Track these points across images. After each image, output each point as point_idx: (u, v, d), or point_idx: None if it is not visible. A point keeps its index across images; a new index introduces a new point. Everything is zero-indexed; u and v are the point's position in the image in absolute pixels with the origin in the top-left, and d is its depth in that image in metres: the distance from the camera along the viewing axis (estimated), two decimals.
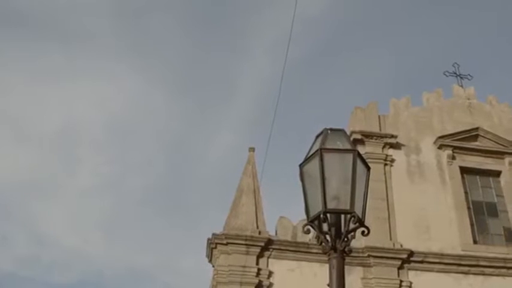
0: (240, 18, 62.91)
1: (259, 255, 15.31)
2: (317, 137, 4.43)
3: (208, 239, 15.60)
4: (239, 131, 62.05)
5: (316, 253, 15.15)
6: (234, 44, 63.54)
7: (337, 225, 4.09)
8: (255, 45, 63.91)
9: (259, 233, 15.51)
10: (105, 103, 64.50)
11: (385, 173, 17.36)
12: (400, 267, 15.75)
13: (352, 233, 4.14)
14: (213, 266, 15.75)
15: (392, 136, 17.91)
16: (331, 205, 4.06)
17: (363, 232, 4.19)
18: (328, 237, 4.10)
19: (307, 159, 4.33)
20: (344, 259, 4.10)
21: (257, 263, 15.20)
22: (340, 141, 4.31)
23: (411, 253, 15.83)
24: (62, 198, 61.66)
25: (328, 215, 4.08)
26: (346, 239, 4.09)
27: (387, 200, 16.86)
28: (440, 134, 18.48)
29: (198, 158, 63.85)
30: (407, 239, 16.22)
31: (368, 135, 17.70)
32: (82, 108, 63.11)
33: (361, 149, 17.55)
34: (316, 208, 4.09)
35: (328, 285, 4.05)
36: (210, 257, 15.95)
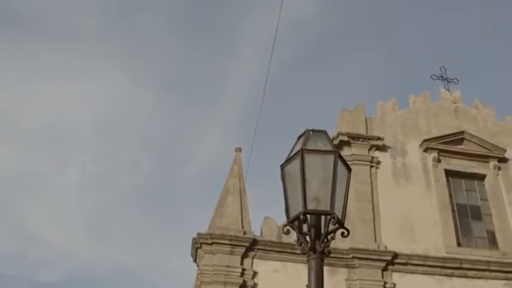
0: (230, 19, 62.87)
1: (244, 256, 15.29)
2: (299, 137, 4.43)
3: (193, 239, 15.56)
4: (227, 131, 62.01)
5: (301, 254, 15.15)
6: (223, 45, 63.53)
7: (316, 226, 4.10)
8: (244, 46, 63.89)
9: (244, 233, 15.49)
10: (93, 101, 64.21)
11: (370, 175, 17.43)
12: (385, 269, 15.81)
13: (332, 234, 4.14)
14: (198, 266, 15.71)
15: (378, 138, 17.98)
16: (311, 206, 4.06)
17: (342, 233, 4.19)
18: (307, 238, 4.09)
19: (288, 160, 4.33)
20: (323, 260, 4.10)
21: (242, 263, 15.17)
22: (321, 142, 4.31)
23: (395, 255, 15.90)
24: (49, 196, 61.30)
25: (308, 216, 4.08)
26: (325, 240, 4.09)
27: (372, 202, 16.92)
28: (426, 137, 18.59)
29: (185, 158, 63.76)
30: (392, 241, 16.29)
31: (354, 137, 17.76)
32: (70, 106, 62.77)
33: (347, 151, 17.64)
34: (296, 209, 4.09)
35: (307, 286, 4.05)
36: (195, 257, 15.91)
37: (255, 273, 15.16)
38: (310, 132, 4.38)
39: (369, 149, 17.85)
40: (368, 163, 17.61)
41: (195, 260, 16.04)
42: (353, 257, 15.63)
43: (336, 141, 17.80)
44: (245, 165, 17.33)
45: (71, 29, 61.20)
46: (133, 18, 61.90)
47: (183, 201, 64.13)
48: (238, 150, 17.17)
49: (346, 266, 15.64)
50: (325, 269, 14.63)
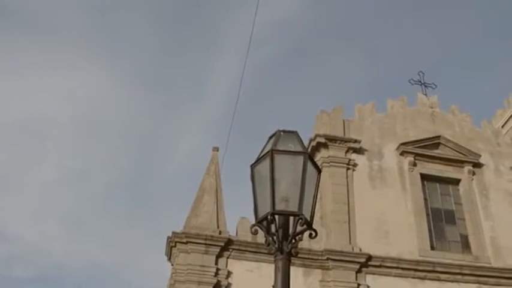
0: (212, 18, 62.73)
1: (219, 255, 15.25)
2: (270, 138, 4.41)
3: (168, 237, 15.48)
4: (206, 130, 61.93)
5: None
6: (204, 44, 63.36)
7: (284, 227, 4.08)
8: (225, 45, 63.86)
9: (220, 232, 15.45)
10: (72, 97, 63.64)
11: (347, 177, 17.51)
12: (358, 271, 15.91)
13: (300, 236, 4.13)
14: (172, 265, 15.63)
15: (355, 141, 18.08)
16: (279, 207, 4.04)
17: (310, 235, 4.18)
18: (275, 238, 4.08)
19: (258, 160, 4.31)
20: (290, 261, 4.09)
21: (216, 263, 15.14)
22: (292, 143, 4.30)
23: (369, 257, 16.00)
24: (24, 191, 60.56)
25: (276, 216, 4.07)
26: (293, 241, 4.08)
27: (348, 204, 17.01)
28: (402, 141, 18.74)
29: (164, 156, 63.53)
30: (367, 243, 16.39)
31: (332, 139, 17.83)
32: (49, 101, 62.19)
33: (324, 153, 17.71)
34: (265, 209, 4.08)
35: (273, 286, 4.04)
36: (169, 256, 15.83)
37: (229, 273, 15.14)
38: (281, 133, 4.36)
39: (346, 152, 17.93)
40: (345, 165, 17.70)
41: (169, 259, 15.95)
42: (327, 259, 15.69)
43: (313, 143, 17.88)
44: (223, 165, 17.30)
45: (52, 24, 60.64)
46: (116, 16, 61.53)
47: (160, 199, 63.86)
48: (216, 149, 17.13)
49: (321, 268, 15.70)
50: (300, 270, 14.67)
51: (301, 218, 4.03)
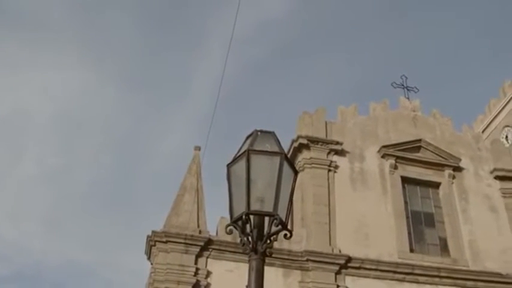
0: (197, 18, 62.66)
1: (199, 255, 15.21)
2: (247, 138, 4.40)
3: (148, 236, 15.40)
4: (190, 130, 61.78)
5: None
6: (189, 44, 63.24)
7: (259, 227, 4.07)
8: (210, 45, 63.75)
9: (200, 232, 15.40)
10: (55, 94, 63.11)
11: (328, 179, 17.57)
12: (338, 272, 15.95)
13: (275, 236, 4.13)
14: (151, 264, 15.55)
15: (337, 143, 18.14)
16: (255, 207, 4.03)
17: (285, 235, 4.18)
18: (250, 238, 4.07)
19: (234, 160, 4.30)
20: (264, 261, 4.09)
21: (196, 263, 15.09)
22: (269, 143, 4.29)
23: (349, 259, 16.06)
24: (2, 188, 59.88)
25: (251, 216, 4.06)
26: (268, 241, 4.07)
27: (329, 206, 17.06)
28: (384, 144, 18.84)
29: (146, 155, 63.23)
30: (347, 245, 16.45)
31: (314, 141, 17.87)
32: (30, 98, 61.59)
33: (306, 154, 17.74)
34: (240, 209, 4.07)
35: (247, 286, 4.03)
36: (149, 255, 15.75)
37: (208, 273, 15.10)
38: (258, 133, 4.35)
39: (328, 153, 17.98)
40: (326, 167, 17.75)
41: (149, 258, 15.86)
42: (307, 260, 15.71)
43: (295, 144, 17.91)
44: (203, 164, 17.26)
45: (36, 21, 60.08)
46: (100, 14, 61.16)
47: (141, 198, 63.59)
48: (197, 148, 17.08)
49: (300, 269, 15.72)
50: (279, 270, 14.66)
51: (275, 219, 4.02)
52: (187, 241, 15.08)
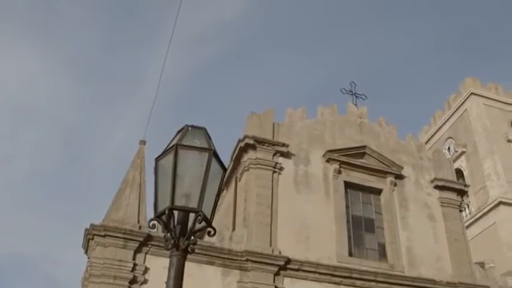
0: (152, 14, 61.97)
1: (137, 250, 14.98)
2: (178, 132, 4.35)
3: (86, 230, 15.07)
4: (139, 125, 60.91)
5: (195, 253, 15.05)
6: (143, 39, 62.49)
7: (183, 223, 4.03)
8: (164, 42, 63.14)
9: (140, 227, 15.18)
10: (1, 81, 61.18)
11: (272, 180, 17.63)
12: (277, 274, 16.00)
13: (198, 233, 4.09)
14: (88, 258, 15.24)
15: (283, 145, 18.23)
16: (180, 202, 3.98)
17: (209, 232, 4.15)
18: (173, 234, 4.02)
19: (163, 154, 4.24)
20: (185, 258, 4.04)
21: (134, 258, 14.86)
22: (198, 139, 4.25)
23: (288, 260, 16.14)
24: None
25: (176, 212, 4.01)
26: (190, 238, 4.03)
27: (272, 207, 17.11)
28: (329, 148, 19.06)
29: (94, 148, 62.04)
30: (287, 247, 16.55)
31: (260, 141, 17.91)
32: None
33: (252, 154, 17.76)
34: (165, 204, 4.01)
35: (166, 282, 3.97)
36: (86, 248, 15.43)
37: (146, 269, 14.89)
38: (189, 128, 4.31)
39: (274, 155, 18.05)
40: (271, 168, 17.81)
41: (86, 252, 15.54)
42: (247, 260, 15.71)
43: (241, 144, 17.91)
44: (150, 160, 17.02)
45: None
46: (57, 5, 59.66)
47: (86, 191, 62.38)
48: (143, 143, 16.84)
49: (240, 268, 15.70)
50: (219, 269, 14.56)
51: (199, 215, 3.98)
52: (126, 236, 14.83)
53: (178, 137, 4.25)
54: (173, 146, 4.14)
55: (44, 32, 61.30)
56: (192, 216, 4.05)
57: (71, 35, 61.84)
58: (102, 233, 14.81)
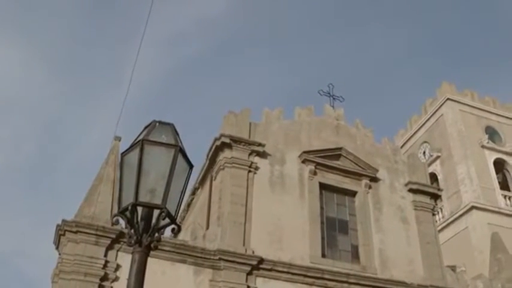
0: (135, 9, 61.54)
1: (109, 247, 14.84)
2: (145, 127, 4.31)
3: (58, 225, 14.90)
4: (116, 121, 60.40)
5: (168, 251, 14.99)
6: (125, 36, 62.01)
7: (147, 219, 3.99)
8: (146, 38, 62.74)
9: (112, 224, 15.03)
10: None
11: (247, 180, 17.61)
12: (249, 273, 15.99)
13: (162, 230, 4.05)
14: (59, 254, 15.06)
15: (260, 144, 18.23)
16: (144, 198, 3.94)
17: (173, 229, 4.11)
18: (136, 230, 3.98)
19: (128, 149, 4.20)
20: (148, 254, 4.00)
21: (105, 255, 14.71)
22: (165, 135, 4.21)
23: (261, 260, 16.14)
24: None
25: (140, 208, 3.97)
26: (154, 235, 3.99)
27: (246, 206, 17.10)
28: (305, 149, 19.10)
29: (70, 144, 61.40)
30: (260, 246, 16.55)
31: (236, 141, 17.88)
32: None
33: (228, 153, 17.73)
34: (129, 199, 3.97)
35: (128, 279, 3.93)
36: (58, 244, 15.25)
37: (118, 266, 14.75)
38: (157, 124, 4.27)
39: (249, 154, 18.04)
40: (246, 168, 17.80)
41: (57, 248, 15.36)
42: (220, 259, 15.67)
43: (218, 142, 17.87)
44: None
45: None
46: None
47: (63, 186, 61.71)
48: (118, 139, 16.69)
49: (212, 267, 15.65)
50: (191, 268, 14.46)
51: (163, 212, 3.95)
52: (98, 232, 14.68)
53: (145, 132, 4.21)
54: (139, 141, 4.10)
55: (19, 23, 60.53)
56: (156, 212, 4.01)
57: (47, 28, 61.11)
58: (74, 229, 14.65)
